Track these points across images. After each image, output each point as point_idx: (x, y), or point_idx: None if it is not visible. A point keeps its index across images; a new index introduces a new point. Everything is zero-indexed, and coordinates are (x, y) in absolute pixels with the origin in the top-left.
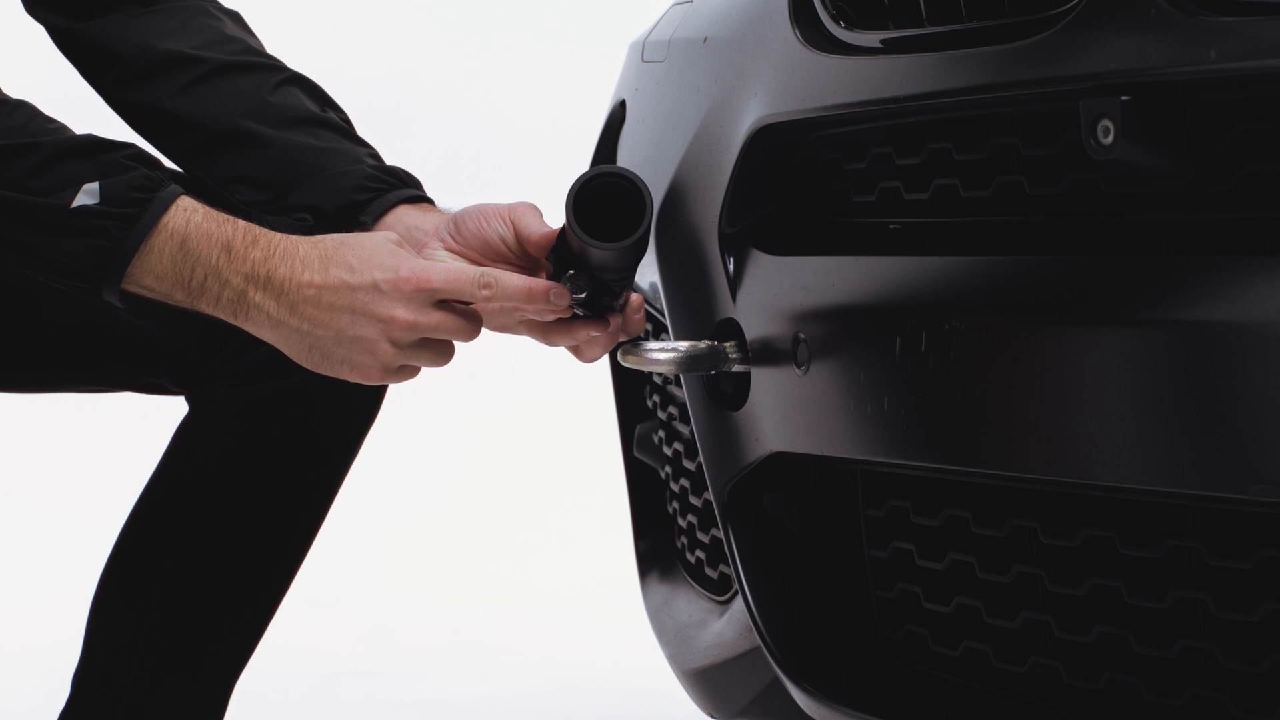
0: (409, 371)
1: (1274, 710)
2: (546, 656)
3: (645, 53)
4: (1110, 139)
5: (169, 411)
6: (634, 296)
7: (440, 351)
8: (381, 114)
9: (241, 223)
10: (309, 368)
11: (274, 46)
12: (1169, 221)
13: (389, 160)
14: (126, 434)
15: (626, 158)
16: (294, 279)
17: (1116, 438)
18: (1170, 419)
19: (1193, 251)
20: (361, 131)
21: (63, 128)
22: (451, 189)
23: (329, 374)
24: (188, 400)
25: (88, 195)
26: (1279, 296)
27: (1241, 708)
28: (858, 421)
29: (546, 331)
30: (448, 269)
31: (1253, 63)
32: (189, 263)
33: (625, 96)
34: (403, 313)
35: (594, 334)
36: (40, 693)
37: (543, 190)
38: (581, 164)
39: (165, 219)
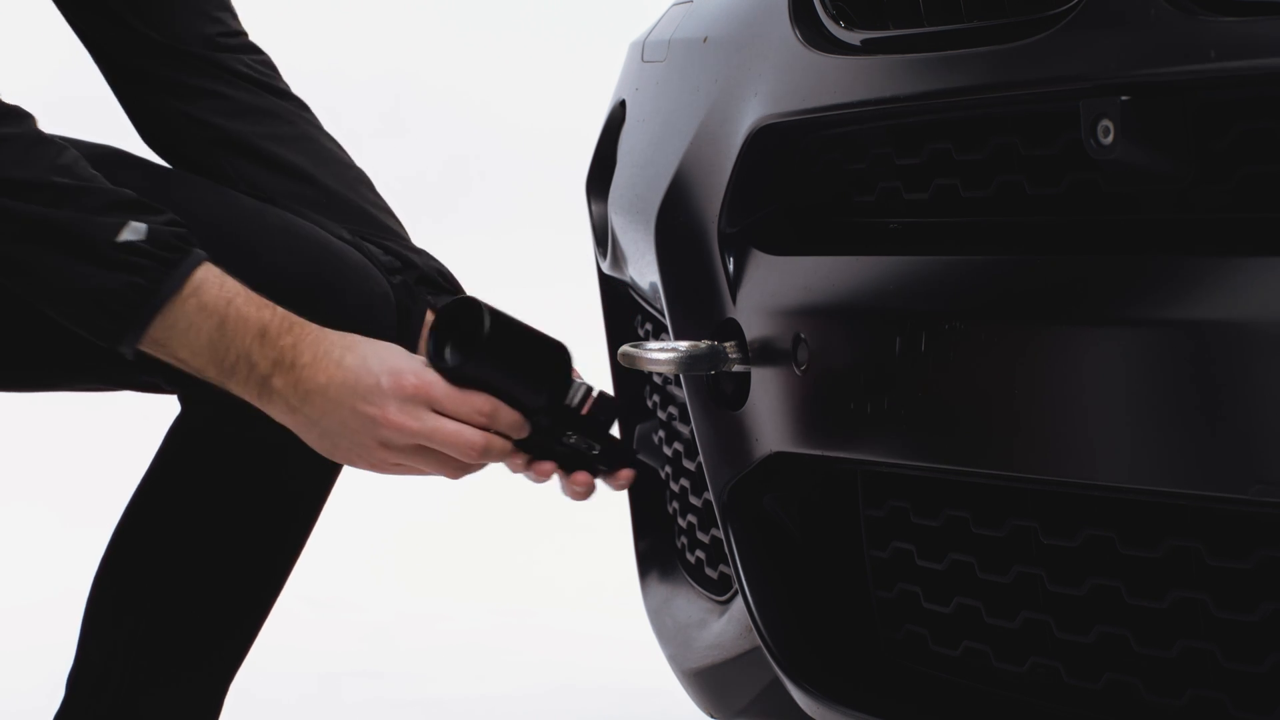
0: (418, 470)
1: (1274, 710)
2: (546, 656)
3: (645, 53)
4: (1110, 139)
5: (167, 411)
6: (546, 465)
7: (441, 462)
8: (381, 114)
9: (281, 310)
10: (327, 456)
11: (275, 47)
12: (1169, 221)
13: (389, 161)
14: (125, 434)
15: (626, 157)
16: (313, 366)
17: (1117, 438)
18: (1170, 419)
19: (1193, 251)
20: (362, 132)
21: (98, 177)
22: (451, 189)
23: (343, 463)
24: (180, 400)
25: (133, 232)
26: (1279, 296)
27: (1241, 708)
28: (858, 421)
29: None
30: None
31: (1253, 62)
32: (225, 343)
33: (625, 96)
34: (395, 413)
35: (539, 478)
36: (40, 693)
37: (542, 190)
38: (582, 164)
39: (196, 283)
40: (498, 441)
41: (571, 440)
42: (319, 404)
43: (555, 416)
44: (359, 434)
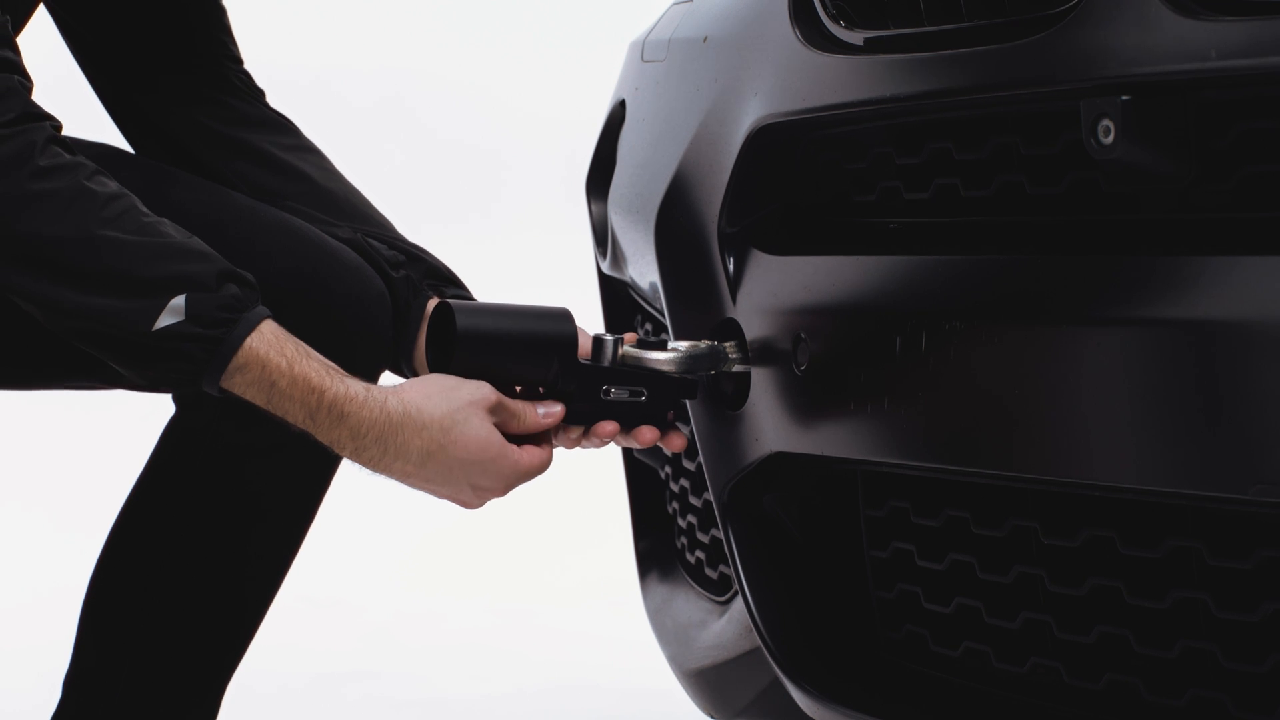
0: None
1: (1274, 710)
2: (546, 656)
3: (645, 52)
4: (1111, 139)
5: (163, 412)
6: (606, 425)
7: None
8: (384, 112)
9: (328, 393)
10: None
11: (282, 44)
12: (1169, 221)
13: (388, 161)
14: (121, 434)
15: (626, 157)
16: (386, 457)
17: (1117, 438)
18: (1171, 419)
19: (1193, 251)
20: (367, 128)
21: (159, 222)
22: (451, 188)
23: None
24: (175, 400)
25: (172, 314)
26: (1279, 296)
27: (1242, 708)
28: (858, 421)
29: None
30: (532, 460)
31: (1253, 62)
32: (279, 412)
33: (625, 96)
34: (500, 490)
35: (601, 441)
36: (40, 692)
37: (540, 189)
38: (581, 163)
39: (240, 362)
40: (544, 451)
41: (612, 394)
42: (405, 480)
43: (579, 379)
44: (449, 496)
